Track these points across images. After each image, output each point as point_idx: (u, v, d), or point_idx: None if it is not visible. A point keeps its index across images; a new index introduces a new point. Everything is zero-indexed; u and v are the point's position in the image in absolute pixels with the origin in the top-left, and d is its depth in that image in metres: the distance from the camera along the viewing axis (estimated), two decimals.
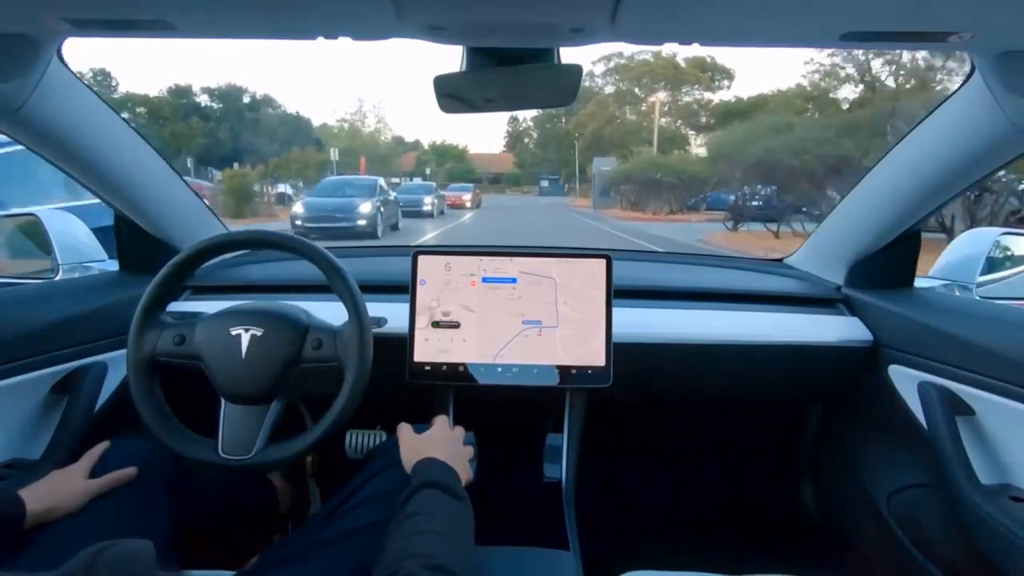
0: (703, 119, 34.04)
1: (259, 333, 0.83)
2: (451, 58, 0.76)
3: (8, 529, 0.67)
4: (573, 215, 20.01)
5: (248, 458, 0.81)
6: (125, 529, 0.71)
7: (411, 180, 27.96)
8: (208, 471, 0.85)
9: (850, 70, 19.43)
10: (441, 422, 0.85)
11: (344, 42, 0.65)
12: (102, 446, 0.82)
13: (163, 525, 0.79)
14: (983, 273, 1.29)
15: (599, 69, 34.85)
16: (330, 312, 0.91)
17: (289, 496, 1.13)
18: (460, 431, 0.86)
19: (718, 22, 0.61)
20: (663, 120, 32.52)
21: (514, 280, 1.04)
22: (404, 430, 0.83)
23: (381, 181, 12.46)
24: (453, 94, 0.80)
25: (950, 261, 1.33)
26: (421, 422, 0.86)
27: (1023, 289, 1.41)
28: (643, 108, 34.53)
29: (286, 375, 0.83)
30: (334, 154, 25.87)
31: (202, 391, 0.84)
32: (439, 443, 0.79)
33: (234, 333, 0.83)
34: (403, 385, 1.01)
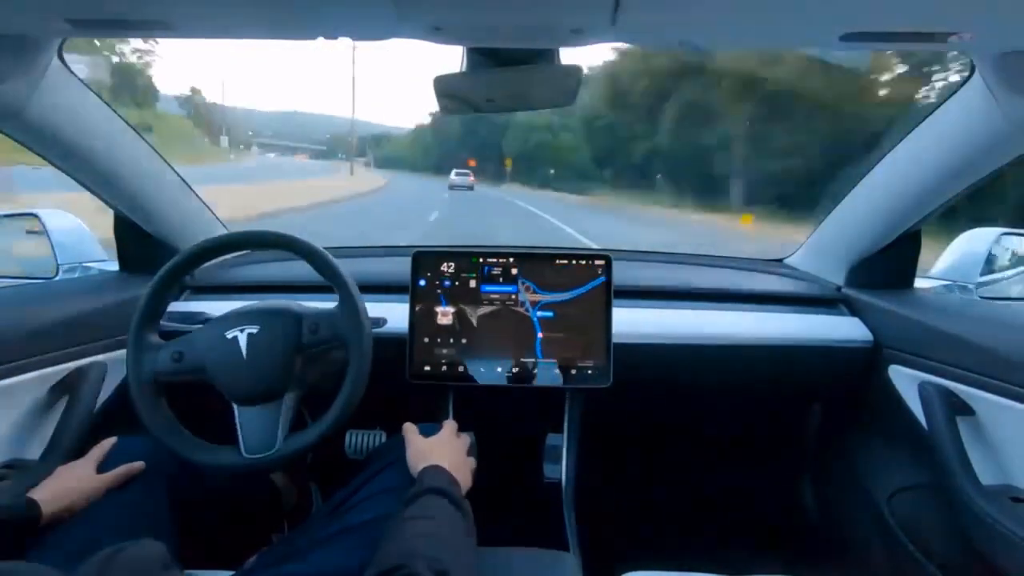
0: None
1: (255, 330, 0.83)
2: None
3: (23, 533, 0.67)
4: None
5: (272, 453, 0.81)
6: (129, 526, 0.71)
7: None
8: (228, 474, 0.85)
9: None
10: (450, 428, 0.85)
11: (344, 42, 0.65)
12: (109, 441, 0.82)
13: (165, 523, 0.79)
14: (983, 273, 1.29)
15: None
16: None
17: (291, 495, 1.13)
18: (466, 439, 0.85)
19: (718, 23, 0.61)
20: None
21: (514, 279, 1.05)
22: (411, 431, 0.82)
23: None
24: (453, 95, 0.79)
25: (950, 261, 1.33)
26: (423, 423, 0.85)
27: (1023, 289, 1.41)
28: None
29: (291, 366, 0.83)
30: None
31: (206, 400, 0.84)
32: (446, 451, 0.78)
33: (231, 336, 0.83)
34: (403, 385, 1.01)
